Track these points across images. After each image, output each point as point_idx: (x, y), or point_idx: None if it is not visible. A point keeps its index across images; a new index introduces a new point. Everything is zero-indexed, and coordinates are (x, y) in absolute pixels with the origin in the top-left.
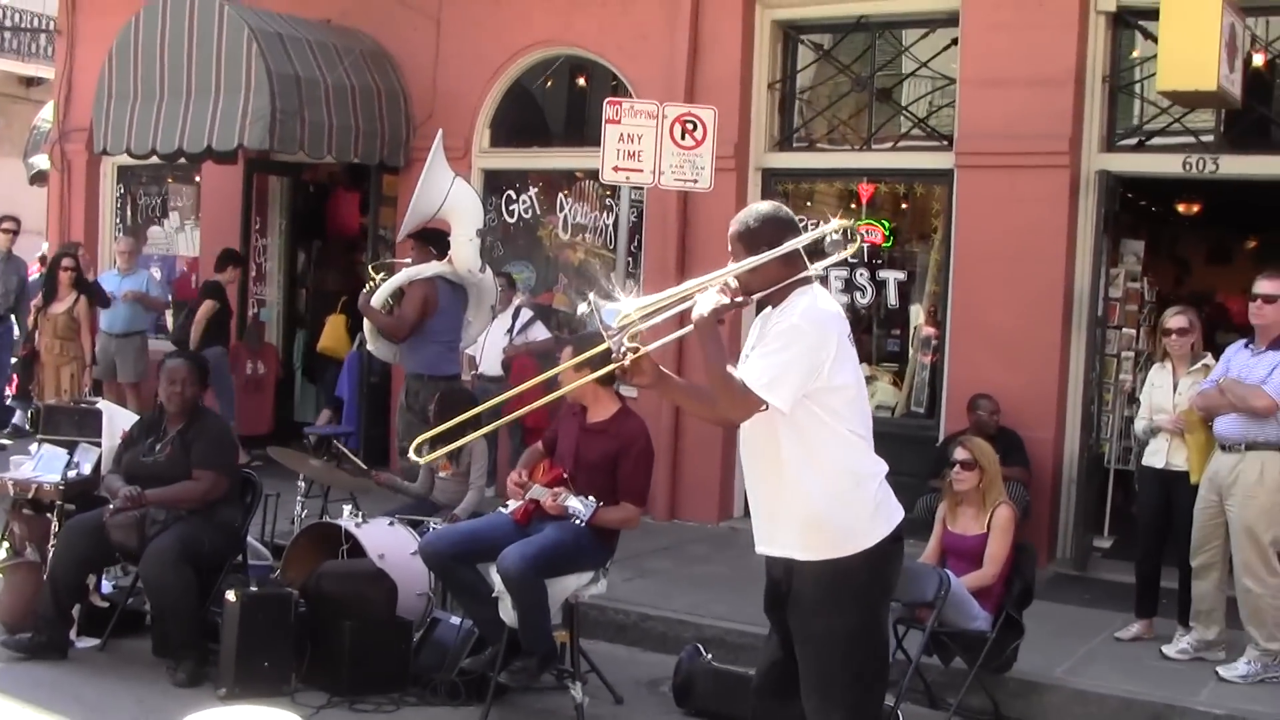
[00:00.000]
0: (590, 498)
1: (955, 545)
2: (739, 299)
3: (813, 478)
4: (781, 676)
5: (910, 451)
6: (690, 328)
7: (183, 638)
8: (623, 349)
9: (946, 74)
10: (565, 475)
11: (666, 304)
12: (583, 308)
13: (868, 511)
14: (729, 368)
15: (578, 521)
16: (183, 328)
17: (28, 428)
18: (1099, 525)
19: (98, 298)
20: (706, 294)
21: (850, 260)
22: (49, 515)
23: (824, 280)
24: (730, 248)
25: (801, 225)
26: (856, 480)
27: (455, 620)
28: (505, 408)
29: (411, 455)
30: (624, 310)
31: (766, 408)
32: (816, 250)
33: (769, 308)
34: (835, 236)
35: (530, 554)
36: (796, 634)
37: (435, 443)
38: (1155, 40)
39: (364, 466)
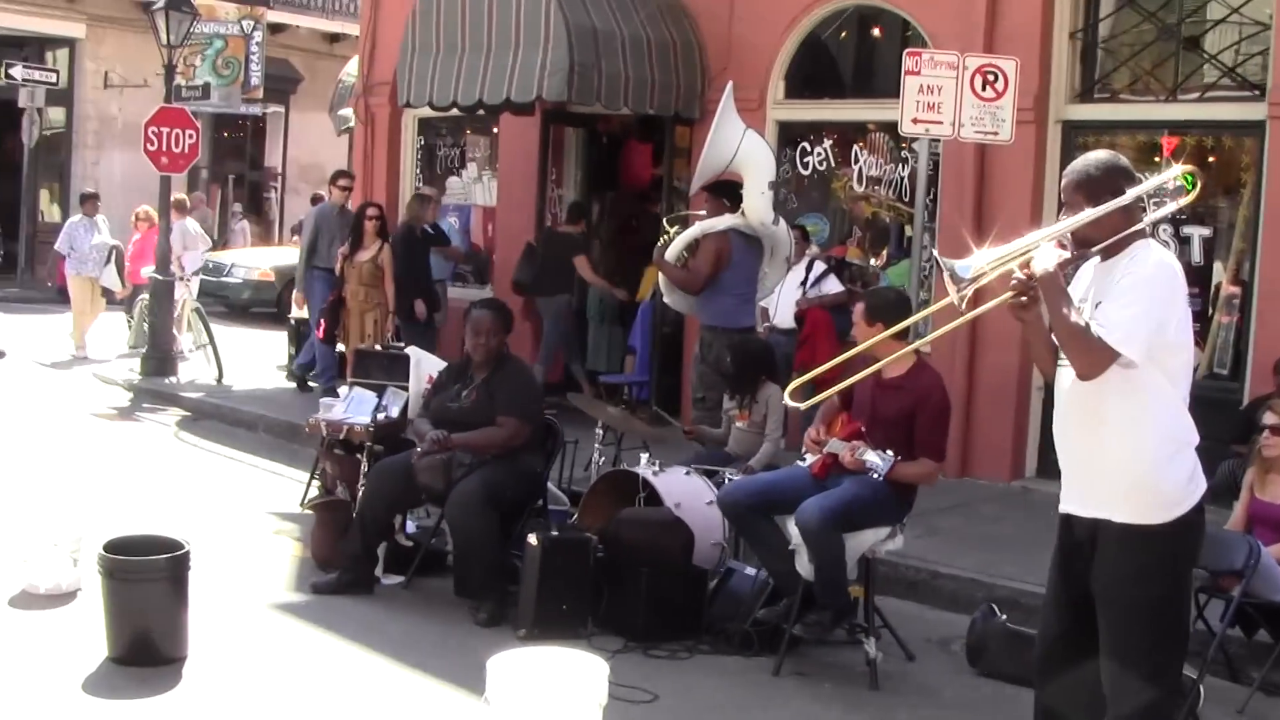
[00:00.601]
0: (888, 452)
1: (1263, 514)
2: (1077, 253)
3: (1140, 439)
4: (1068, 649)
5: (1212, 415)
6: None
7: (484, 579)
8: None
9: (1258, 19)
10: (863, 430)
11: (1012, 258)
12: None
13: (1184, 479)
14: (1079, 322)
15: (875, 476)
16: (531, 273)
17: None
18: None
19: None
20: (1044, 249)
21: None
22: (359, 456)
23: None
24: (1066, 198)
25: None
26: (1179, 446)
27: (750, 571)
28: (797, 361)
29: (788, 401)
30: (976, 264)
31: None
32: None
33: (1097, 259)
34: (1174, 184)
35: (829, 507)
36: (1100, 598)
37: (734, 388)
38: None
39: (675, 422)
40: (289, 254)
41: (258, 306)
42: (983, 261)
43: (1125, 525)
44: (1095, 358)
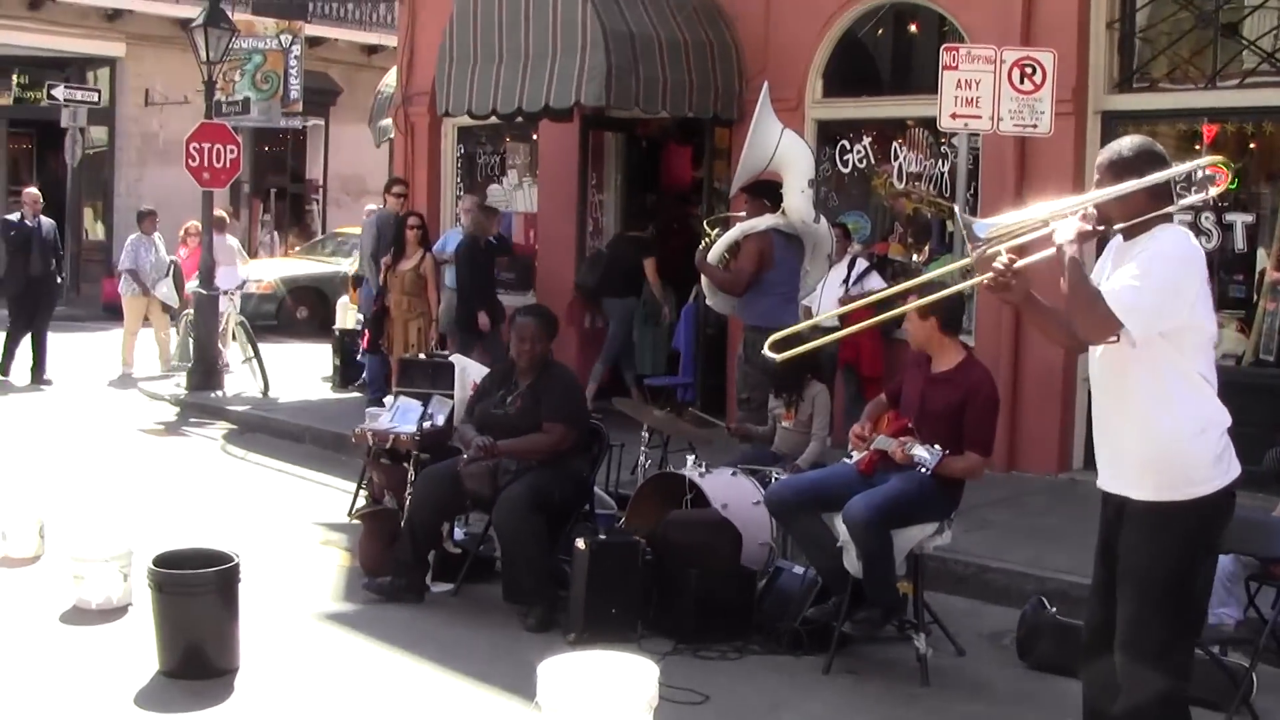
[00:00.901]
0: (936, 446)
1: None
2: (1099, 226)
3: (1159, 416)
4: (1108, 638)
5: (1258, 401)
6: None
7: (533, 584)
8: (995, 260)
9: None
10: (910, 426)
11: (1031, 226)
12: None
13: (1208, 459)
14: (1095, 289)
15: (923, 470)
16: (600, 275)
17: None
18: None
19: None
20: (1067, 220)
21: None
22: (405, 464)
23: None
24: (1097, 176)
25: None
26: (1201, 426)
27: (798, 570)
28: (841, 354)
29: (766, 352)
30: (995, 224)
31: (1117, 339)
32: (1176, 189)
33: (1119, 238)
34: (1203, 173)
35: (876, 504)
36: (1118, 575)
37: (779, 387)
38: None
39: (717, 422)
40: (295, 265)
41: (259, 320)
42: (1003, 223)
43: (1145, 502)
44: (1097, 320)
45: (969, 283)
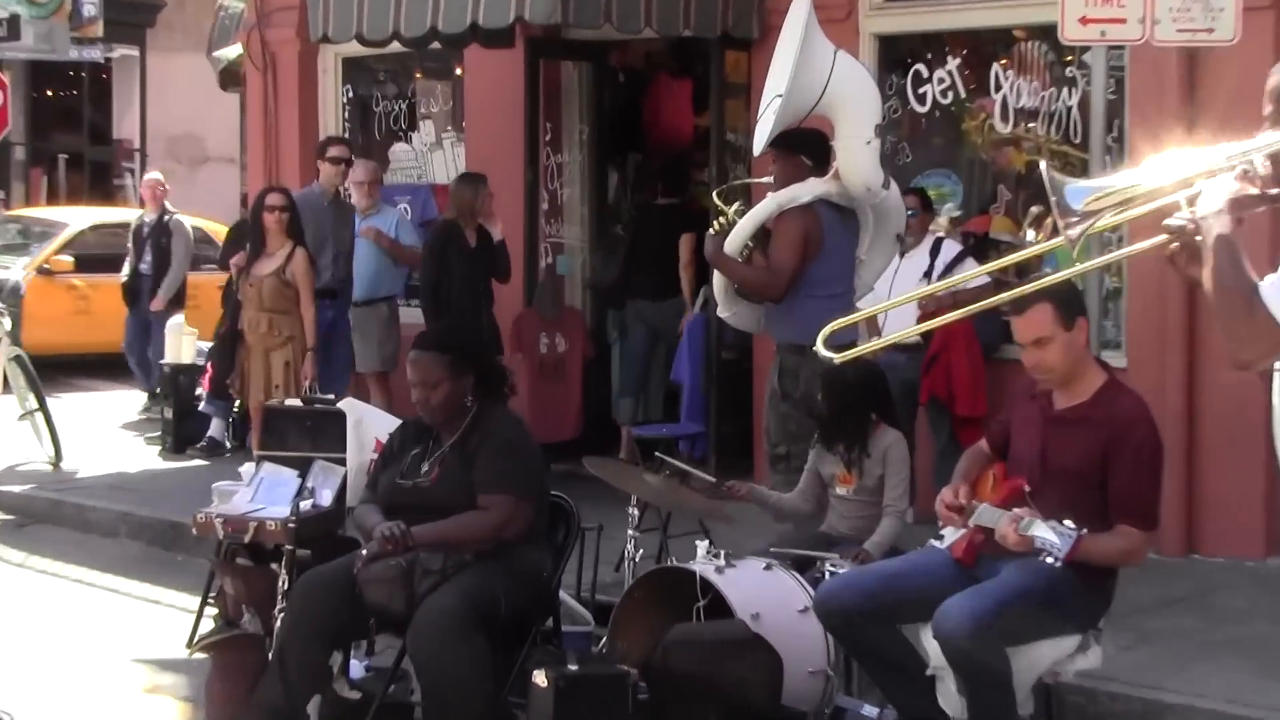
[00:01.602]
0: (1067, 521)
1: None
2: (1273, 190)
3: None
4: None
5: None
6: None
7: None
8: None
9: None
10: (1026, 489)
11: (1153, 193)
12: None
13: None
14: (1252, 282)
15: (1051, 560)
16: (623, 268)
17: (228, 442)
18: None
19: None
20: (1216, 181)
21: None
22: (274, 566)
23: None
24: (1265, 110)
25: None
26: None
27: (869, 711)
28: (925, 390)
29: (822, 350)
30: (1099, 189)
31: None
32: None
33: None
34: None
35: (983, 609)
36: None
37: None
38: None
39: (707, 476)
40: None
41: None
42: (1112, 187)
43: None
44: (1259, 334)
45: (1148, 243)
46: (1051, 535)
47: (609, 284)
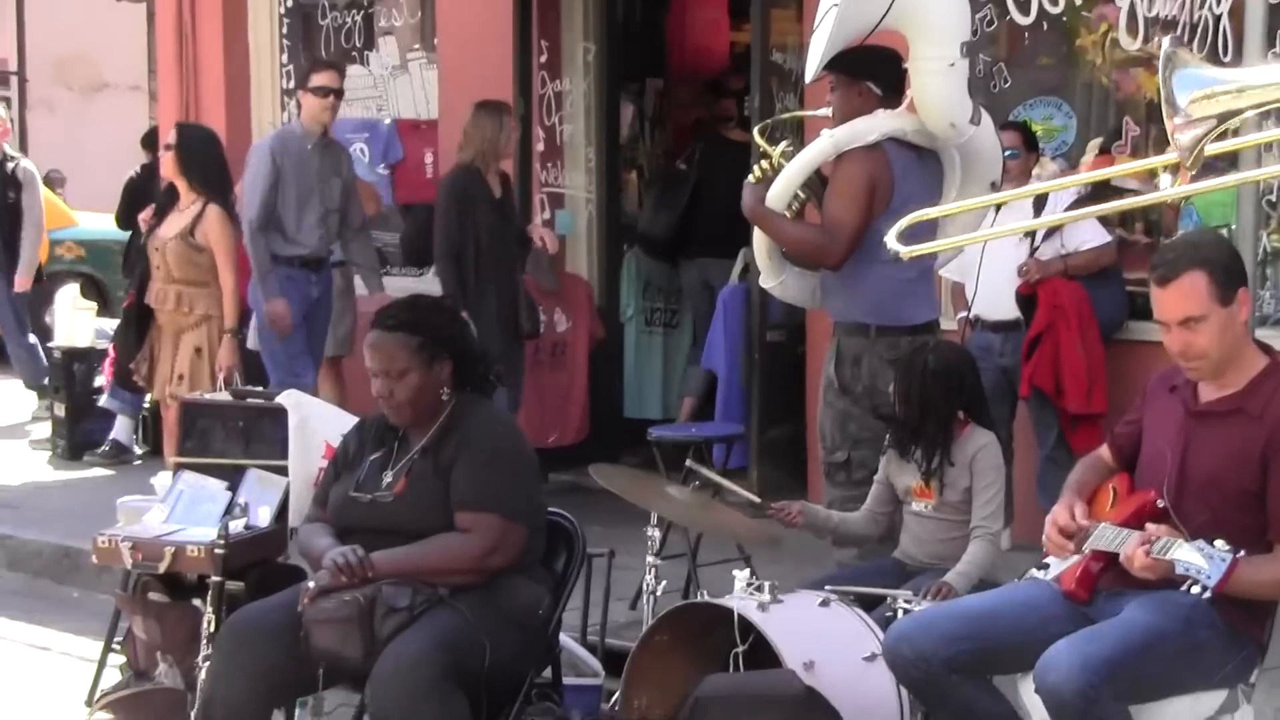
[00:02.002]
0: (1219, 542)
1: None
2: None
3: None
4: None
5: None
6: None
7: None
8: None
9: None
10: (1160, 504)
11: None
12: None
13: None
14: None
15: (1198, 589)
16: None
17: (137, 447)
18: None
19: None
20: None
21: None
22: (197, 603)
23: None
24: None
25: None
26: None
27: None
28: (1025, 380)
29: (894, 244)
30: (1217, 83)
31: None
32: None
33: None
34: None
35: (1099, 657)
36: None
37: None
38: None
39: (747, 493)
40: None
41: None
42: (1237, 83)
43: None
44: None
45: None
46: (1199, 558)
47: (663, 235)
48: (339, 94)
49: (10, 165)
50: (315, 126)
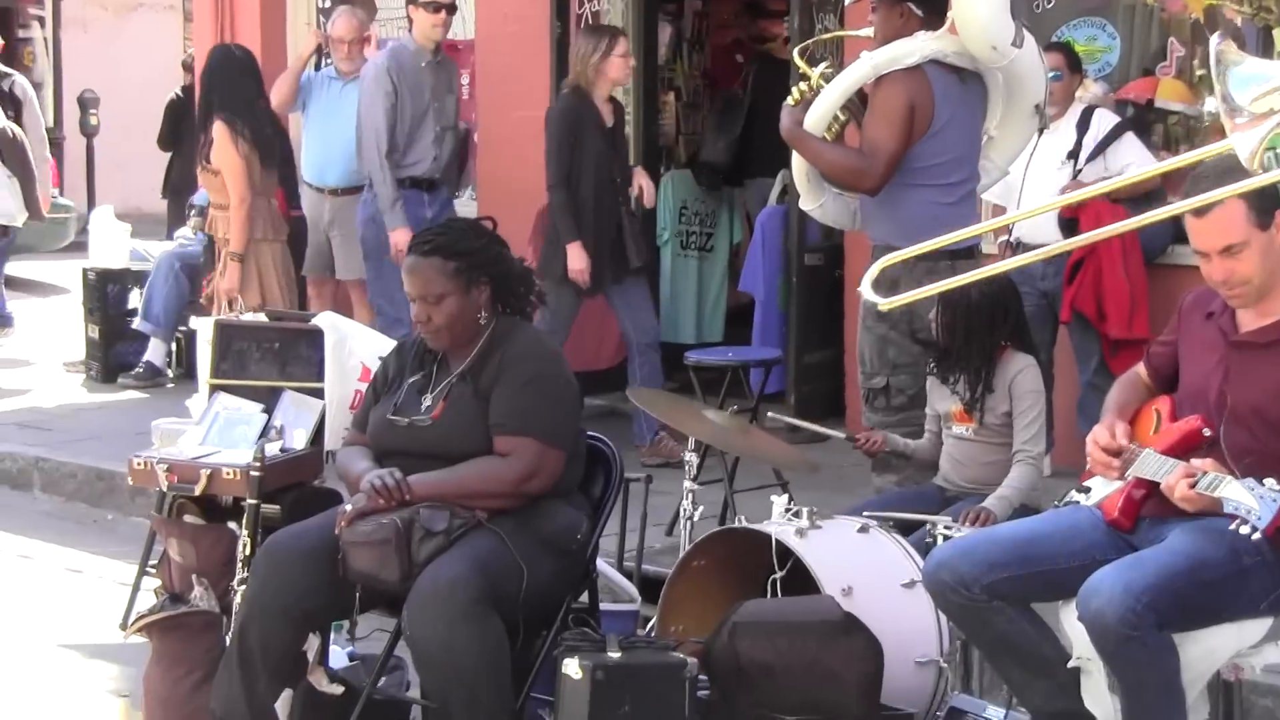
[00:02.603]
0: (1270, 481)
1: None
2: None
3: None
4: None
5: None
6: None
7: None
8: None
9: None
10: (1207, 433)
11: None
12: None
13: None
14: None
15: (1248, 529)
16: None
17: (171, 370)
18: None
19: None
20: None
21: None
22: (232, 526)
23: None
24: None
25: None
26: None
27: (994, 714)
28: (1067, 306)
29: (868, 292)
30: (1267, 76)
31: None
32: None
33: None
34: None
35: (1143, 584)
36: None
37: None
38: None
39: (832, 432)
40: None
41: None
42: None
43: None
44: None
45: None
46: (1250, 498)
47: (721, 161)
48: (451, 8)
49: (6, 83)
50: (428, 43)
